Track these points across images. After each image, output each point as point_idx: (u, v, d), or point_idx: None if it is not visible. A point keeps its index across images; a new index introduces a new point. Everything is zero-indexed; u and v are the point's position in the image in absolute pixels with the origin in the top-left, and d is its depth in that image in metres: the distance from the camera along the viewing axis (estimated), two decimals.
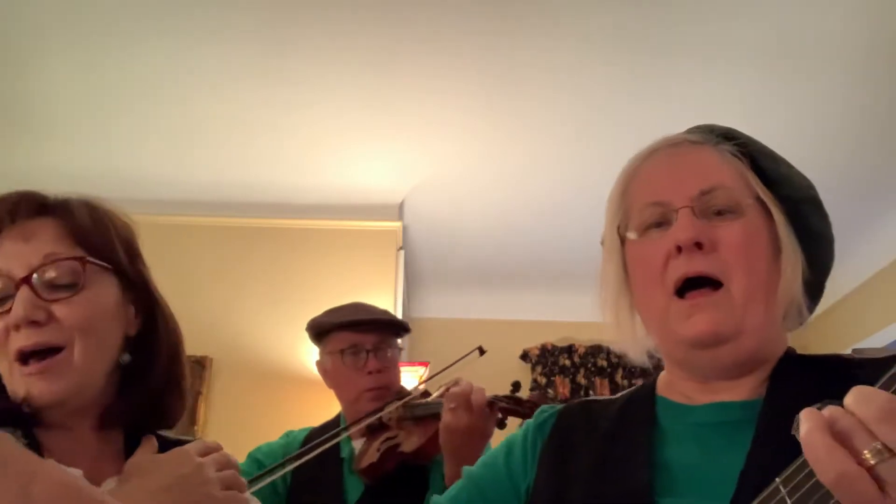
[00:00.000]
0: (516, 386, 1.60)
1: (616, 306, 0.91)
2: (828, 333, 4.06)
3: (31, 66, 2.92)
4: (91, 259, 0.89)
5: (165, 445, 0.91)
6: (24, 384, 0.83)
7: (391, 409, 1.65)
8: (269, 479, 1.53)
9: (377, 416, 1.65)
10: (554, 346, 4.45)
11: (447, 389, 1.56)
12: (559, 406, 0.98)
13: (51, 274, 0.86)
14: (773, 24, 2.67)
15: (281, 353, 3.56)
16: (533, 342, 4.45)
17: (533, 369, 4.45)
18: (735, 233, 0.81)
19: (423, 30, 2.74)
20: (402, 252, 3.88)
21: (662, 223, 0.84)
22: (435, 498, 0.95)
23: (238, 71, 2.95)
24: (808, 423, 0.52)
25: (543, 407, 0.98)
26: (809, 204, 0.87)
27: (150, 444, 0.90)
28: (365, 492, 1.63)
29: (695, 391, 0.85)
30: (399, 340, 1.83)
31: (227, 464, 0.89)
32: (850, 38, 2.72)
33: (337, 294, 3.54)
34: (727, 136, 0.89)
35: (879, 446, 0.49)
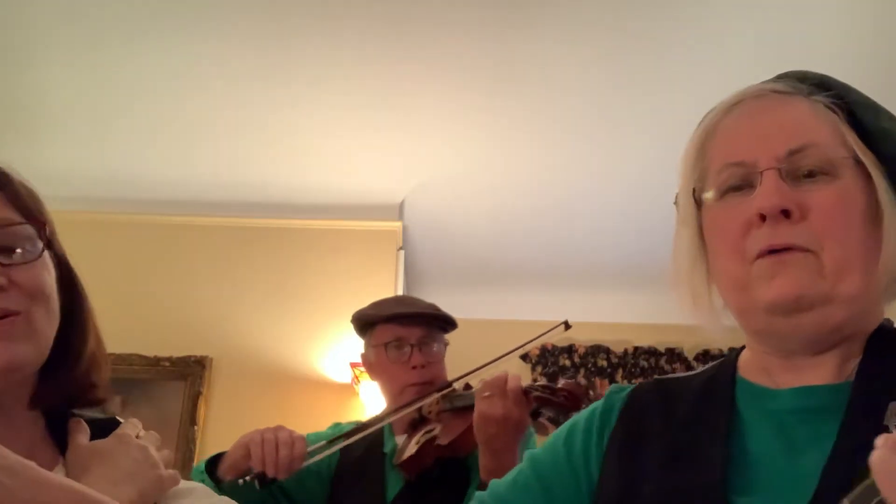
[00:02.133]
0: (552, 377, 1.56)
1: (691, 277, 0.82)
2: None
3: (30, 67, 2.92)
4: (46, 230, 0.86)
5: (91, 426, 0.87)
6: None
7: (430, 402, 1.61)
8: (315, 458, 1.52)
9: (415, 407, 1.61)
10: (554, 346, 4.45)
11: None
12: (630, 387, 0.90)
13: (6, 240, 0.82)
14: (773, 21, 2.67)
15: (281, 353, 3.56)
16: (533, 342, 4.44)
17: (533, 369, 4.45)
18: (828, 198, 0.71)
19: (424, 30, 2.74)
20: (402, 252, 3.88)
21: (744, 186, 0.75)
22: (494, 482, 0.91)
23: (238, 71, 2.95)
24: (881, 441, 0.46)
25: (614, 386, 0.91)
26: None
27: (82, 428, 0.86)
28: (405, 487, 1.60)
29: (777, 369, 0.76)
30: (446, 336, 1.79)
31: (160, 443, 0.87)
32: (850, 34, 2.73)
33: (337, 294, 3.55)
34: (820, 86, 0.80)
35: None
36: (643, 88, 2.99)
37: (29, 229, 0.84)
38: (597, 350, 4.45)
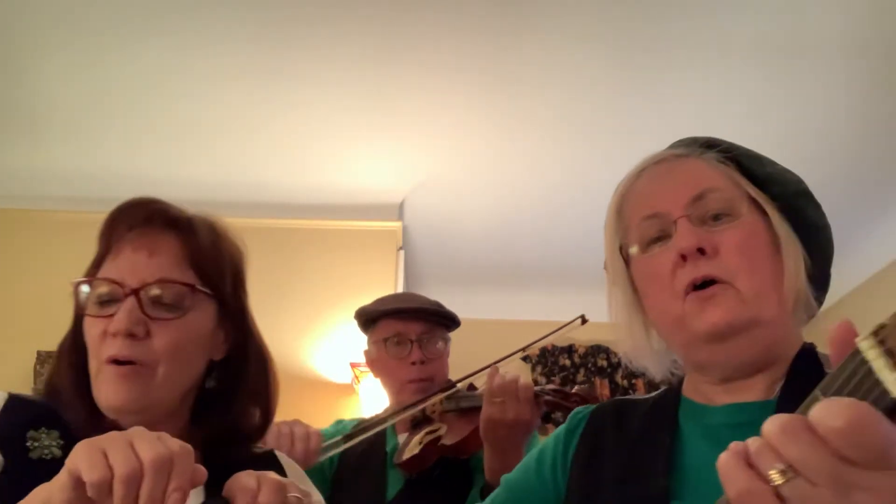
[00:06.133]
0: (564, 380, 1.55)
1: (630, 326, 0.93)
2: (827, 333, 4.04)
3: (30, 67, 2.92)
4: (200, 287, 0.92)
5: (251, 459, 0.93)
6: (106, 384, 0.85)
7: (434, 401, 1.60)
8: (329, 454, 1.52)
9: (419, 407, 1.60)
10: (554, 346, 4.45)
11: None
12: (592, 407, 0.98)
13: (158, 292, 0.89)
14: (773, 22, 2.67)
15: (281, 353, 3.52)
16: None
17: (533, 369, 4.45)
18: (734, 236, 0.82)
19: (424, 29, 2.74)
20: (402, 252, 3.87)
21: (663, 237, 0.86)
22: None
23: (237, 70, 2.94)
24: (728, 449, 0.54)
25: (576, 409, 0.98)
26: (802, 197, 0.88)
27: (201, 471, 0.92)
28: (405, 486, 1.59)
29: (714, 392, 0.86)
30: (449, 333, 1.79)
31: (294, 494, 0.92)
32: (851, 35, 2.72)
33: (337, 294, 3.54)
34: (709, 145, 0.91)
35: (783, 466, 0.48)
36: (645, 90, 2.98)
37: (182, 289, 0.90)
38: (597, 350, 4.45)
